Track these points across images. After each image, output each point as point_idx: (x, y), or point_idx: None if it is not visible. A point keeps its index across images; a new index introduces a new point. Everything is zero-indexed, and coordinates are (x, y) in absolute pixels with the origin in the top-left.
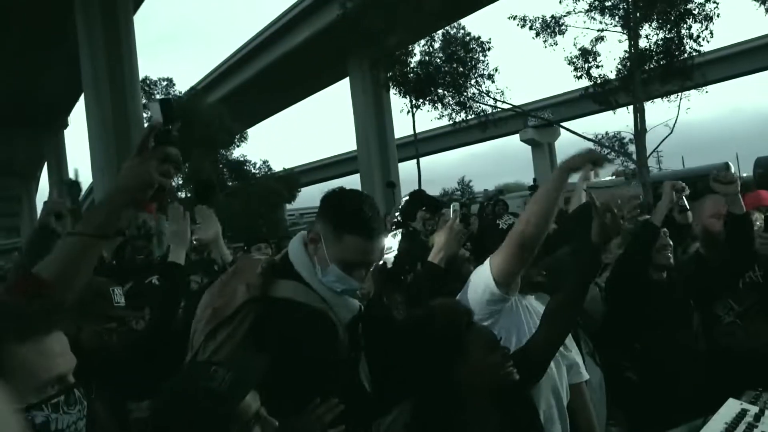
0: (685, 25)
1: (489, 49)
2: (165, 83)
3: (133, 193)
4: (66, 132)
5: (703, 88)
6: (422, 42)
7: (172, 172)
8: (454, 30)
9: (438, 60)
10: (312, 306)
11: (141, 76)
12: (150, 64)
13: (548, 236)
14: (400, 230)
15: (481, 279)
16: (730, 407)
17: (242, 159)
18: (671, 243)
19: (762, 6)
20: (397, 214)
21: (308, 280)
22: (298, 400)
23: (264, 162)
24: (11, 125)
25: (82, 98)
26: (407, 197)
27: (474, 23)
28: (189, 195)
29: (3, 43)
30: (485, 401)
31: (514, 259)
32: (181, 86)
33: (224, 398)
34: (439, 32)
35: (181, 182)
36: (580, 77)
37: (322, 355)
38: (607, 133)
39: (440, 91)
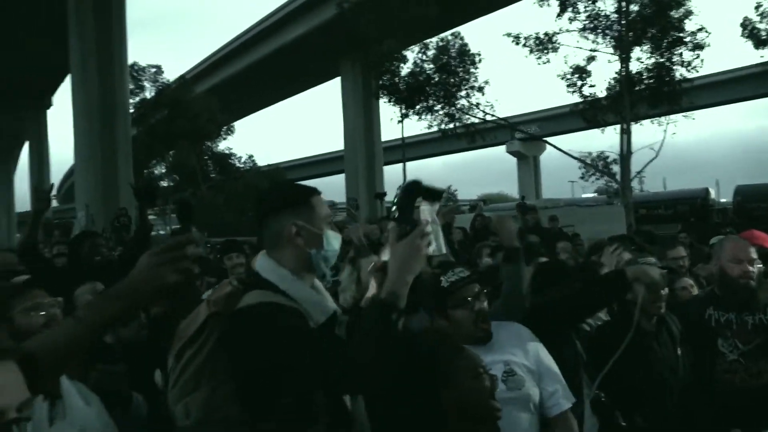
0: (677, 52)
1: (480, 61)
2: (153, 70)
3: (146, 296)
4: (49, 112)
5: (690, 113)
6: (416, 50)
7: (191, 268)
8: (452, 37)
9: (429, 70)
10: (283, 303)
11: (129, 61)
12: (139, 49)
13: None
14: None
15: None
16: None
17: (228, 152)
18: (666, 290)
19: (749, 40)
20: (394, 208)
21: (277, 283)
22: (284, 412)
23: (249, 156)
24: None
25: (68, 79)
26: (401, 190)
27: (466, 34)
28: (172, 184)
29: None
30: (467, 427)
31: None
32: (170, 74)
33: None
34: (434, 40)
35: (164, 171)
36: (573, 93)
37: (301, 354)
38: (590, 154)
39: (430, 101)
